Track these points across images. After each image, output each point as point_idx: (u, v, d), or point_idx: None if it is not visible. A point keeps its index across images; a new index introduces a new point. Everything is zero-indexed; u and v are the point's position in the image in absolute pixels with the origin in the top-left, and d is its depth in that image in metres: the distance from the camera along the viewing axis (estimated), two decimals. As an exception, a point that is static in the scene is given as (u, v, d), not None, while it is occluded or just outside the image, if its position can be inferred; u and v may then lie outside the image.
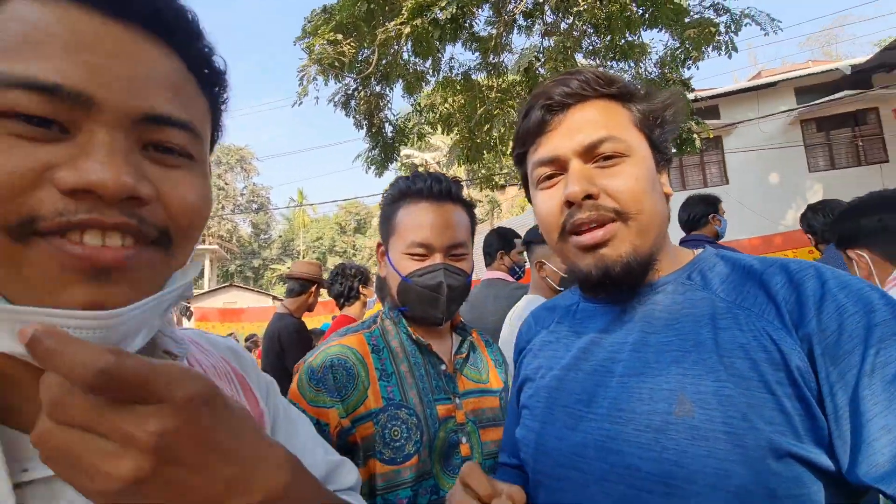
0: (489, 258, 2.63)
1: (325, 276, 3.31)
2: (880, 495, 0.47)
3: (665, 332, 0.59)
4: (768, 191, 10.97)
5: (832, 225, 1.61)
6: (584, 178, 0.60)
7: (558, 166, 0.64)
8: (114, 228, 0.32)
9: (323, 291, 3.31)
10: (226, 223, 37.29)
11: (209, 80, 0.41)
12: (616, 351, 0.62)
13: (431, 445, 0.91)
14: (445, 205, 1.01)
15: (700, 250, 0.66)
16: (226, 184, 38.50)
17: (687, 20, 5.27)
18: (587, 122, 0.62)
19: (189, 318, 8.96)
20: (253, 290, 21.53)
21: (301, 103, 5.05)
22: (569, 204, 0.61)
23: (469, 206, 1.06)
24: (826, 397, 0.49)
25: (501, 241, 2.60)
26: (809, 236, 2.63)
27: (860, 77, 10.50)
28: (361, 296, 3.14)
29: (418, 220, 0.99)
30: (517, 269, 2.60)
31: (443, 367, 1.01)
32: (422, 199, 1.00)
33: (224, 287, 20.00)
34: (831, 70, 10.87)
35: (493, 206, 21.00)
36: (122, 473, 0.27)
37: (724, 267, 0.62)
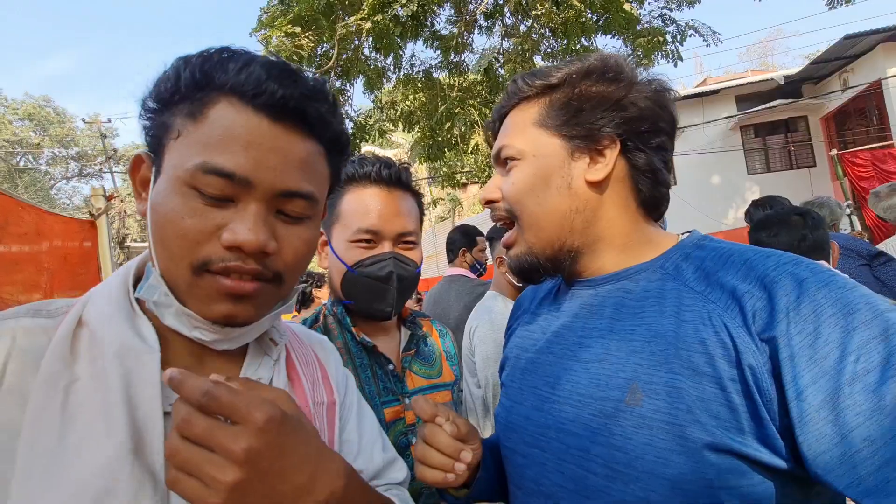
0: (452, 255, 2.67)
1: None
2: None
3: (631, 320, 0.59)
4: (711, 191, 11.66)
5: (748, 234, 1.79)
6: (487, 187, 0.70)
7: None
8: (248, 273, 0.48)
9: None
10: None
11: (335, 151, 0.57)
12: (585, 336, 0.63)
13: None
14: (395, 191, 0.95)
15: (685, 235, 0.65)
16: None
17: (638, 27, 5.53)
18: (500, 133, 0.70)
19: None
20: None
21: (257, 96, 4.90)
22: None
23: (418, 194, 1.02)
24: (791, 401, 0.46)
25: (464, 238, 2.64)
26: None
27: (792, 87, 11.37)
28: (316, 298, 3.22)
29: (366, 205, 0.93)
30: (478, 266, 2.66)
31: (390, 366, 0.96)
32: (370, 184, 0.94)
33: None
34: (767, 80, 11.69)
35: (454, 204, 21.13)
36: (228, 479, 0.38)
37: (700, 254, 0.60)
